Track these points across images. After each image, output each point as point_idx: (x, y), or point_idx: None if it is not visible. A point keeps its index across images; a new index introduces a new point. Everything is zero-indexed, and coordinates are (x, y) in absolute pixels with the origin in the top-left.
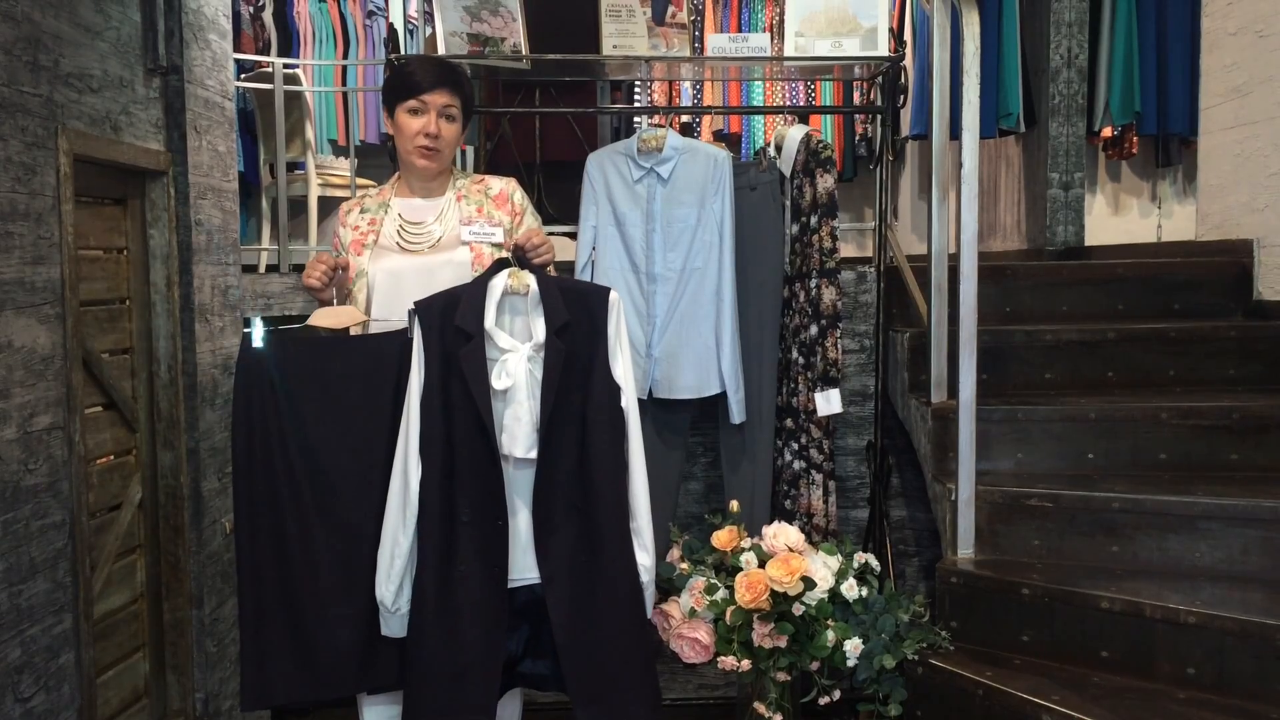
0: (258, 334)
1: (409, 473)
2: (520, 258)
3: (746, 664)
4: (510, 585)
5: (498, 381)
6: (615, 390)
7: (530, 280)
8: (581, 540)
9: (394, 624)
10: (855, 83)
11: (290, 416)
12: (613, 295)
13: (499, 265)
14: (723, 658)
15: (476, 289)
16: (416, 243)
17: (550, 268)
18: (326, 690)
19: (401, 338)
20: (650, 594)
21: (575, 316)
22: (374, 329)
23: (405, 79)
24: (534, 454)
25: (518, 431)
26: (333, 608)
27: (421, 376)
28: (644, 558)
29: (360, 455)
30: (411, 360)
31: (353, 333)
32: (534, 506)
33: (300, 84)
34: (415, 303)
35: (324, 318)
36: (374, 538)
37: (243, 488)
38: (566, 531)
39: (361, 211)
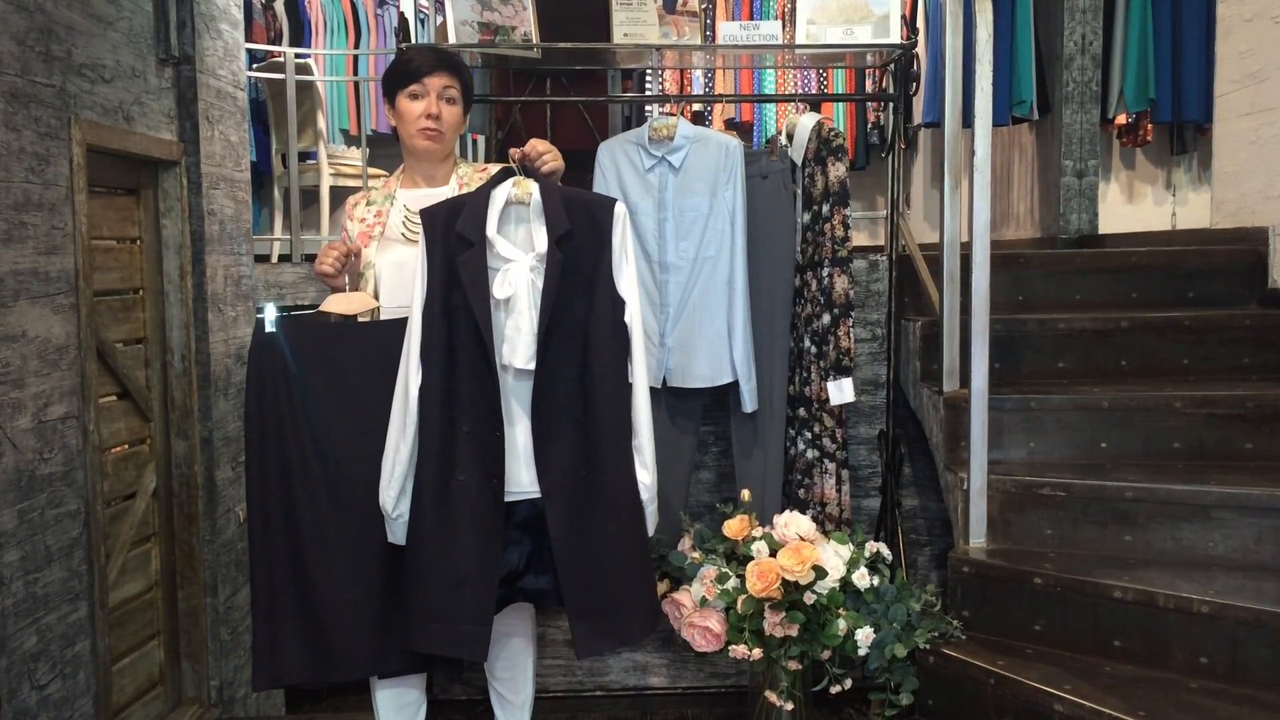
0: (270, 319)
1: (409, 380)
2: (526, 167)
3: (758, 653)
4: (511, 499)
5: (499, 290)
6: (619, 303)
7: (533, 188)
8: (581, 454)
9: (396, 530)
10: (867, 70)
11: (302, 401)
12: (619, 207)
13: (504, 174)
14: (734, 647)
15: (479, 197)
16: (421, 233)
17: (557, 177)
18: (337, 673)
19: None
20: (651, 513)
21: (578, 226)
22: (385, 316)
23: (403, 66)
24: (533, 365)
25: (518, 341)
26: (344, 591)
27: (424, 284)
28: (644, 476)
29: (371, 440)
30: (416, 266)
31: (363, 320)
32: (533, 418)
33: (312, 74)
34: (420, 210)
35: (336, 304)
36: (383, 523)
37: (255, 471)
38: (565, 445)
39: (368, 204)
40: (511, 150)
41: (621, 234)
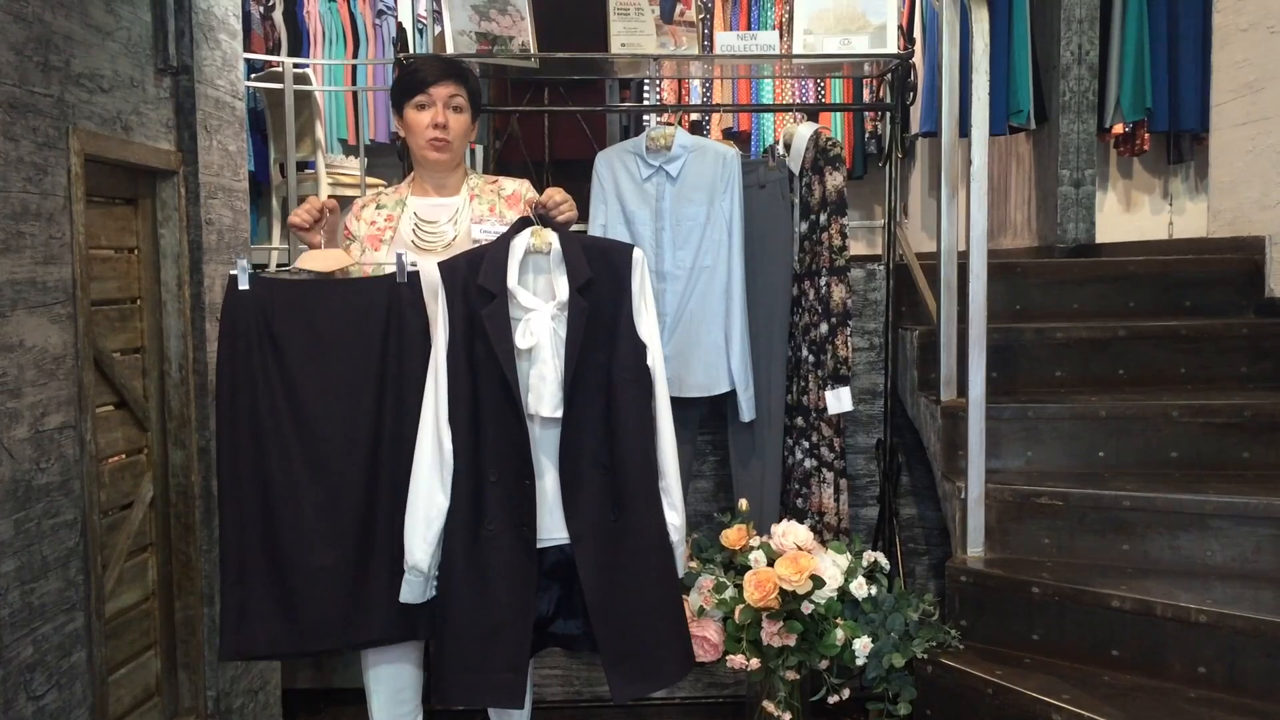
0: (243, 276)
1: (441, 434)
2: (543, 216)
3: (755, 663)
4: (540, 545)
5: (522, 340)
6: (641, 348)
7: (552, 238)
8: (609, 499)
9: (418, 587)
10: (864, 80)
11: (275, 360)
12: (636, 252)
13: (521, 224)
14: (732, 656)
15: (499, 248)
16: (431, 241)
17: (571, 226)
18: (310, 643)
19: (390, 281)
20: (680, 553)
21: (598, 273)
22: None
23: (410, 77)
24: (560, 413)
25: (544, 391)
26: (317, 557)
27: (446, 337)
28: (674, 516)
29: (347, 401)
30: (436, 319)
31: (339, 277)
32: (561, 466)
33: (310, 83)
34: (439, 263)
35: (311, 260)
36: (360, 487)
37: (226, 434)
38: (594, 491)
39: (377, 208)
40: (528, 198)
41: (640, 279)
